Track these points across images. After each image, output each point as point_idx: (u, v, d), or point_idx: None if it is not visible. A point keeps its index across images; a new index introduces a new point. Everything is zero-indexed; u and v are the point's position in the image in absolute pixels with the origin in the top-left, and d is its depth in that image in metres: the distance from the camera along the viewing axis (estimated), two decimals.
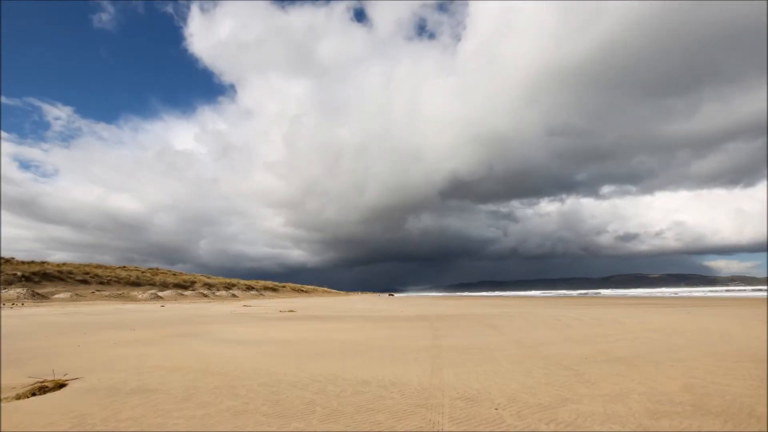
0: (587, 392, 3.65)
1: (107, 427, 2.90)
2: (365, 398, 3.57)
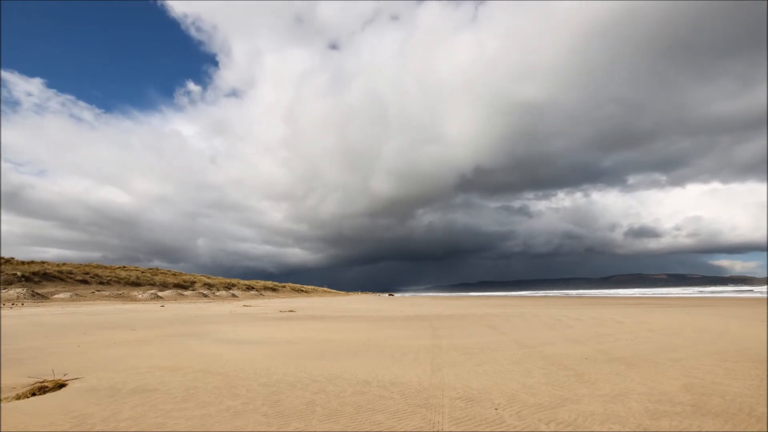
0: (587, 392, 3.66)
1: (107, 427, 2.90)
2: (365, 398, 3.57)
